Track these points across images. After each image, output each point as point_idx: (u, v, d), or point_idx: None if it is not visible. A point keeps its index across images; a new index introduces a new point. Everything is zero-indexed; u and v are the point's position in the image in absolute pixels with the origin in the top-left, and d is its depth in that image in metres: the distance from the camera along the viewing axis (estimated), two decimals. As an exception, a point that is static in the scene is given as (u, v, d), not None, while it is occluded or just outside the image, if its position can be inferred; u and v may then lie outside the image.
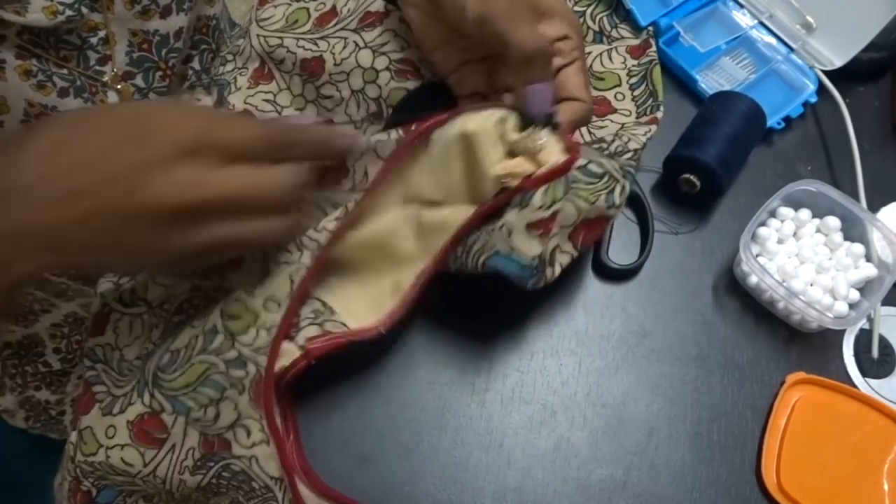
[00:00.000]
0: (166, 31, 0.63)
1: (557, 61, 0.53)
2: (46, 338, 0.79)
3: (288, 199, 0.46)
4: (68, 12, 0.54)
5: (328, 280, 0.55)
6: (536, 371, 0.59)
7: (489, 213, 0.52)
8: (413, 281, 0.54)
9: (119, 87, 0.61)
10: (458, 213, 0.53)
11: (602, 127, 0.65)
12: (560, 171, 0.50)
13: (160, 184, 0.40)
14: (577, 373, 0.59)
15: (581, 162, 0.52)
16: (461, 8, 0.52)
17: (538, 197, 0.50)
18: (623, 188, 0.53)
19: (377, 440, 0.56)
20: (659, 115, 0.63)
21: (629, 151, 0.59)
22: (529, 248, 0.51)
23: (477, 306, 0.61)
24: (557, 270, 0.53)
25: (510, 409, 0.58)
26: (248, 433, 0.52)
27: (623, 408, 0.58)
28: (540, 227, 0.50)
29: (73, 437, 0.53)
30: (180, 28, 0.63)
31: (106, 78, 0.60)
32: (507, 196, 0.51)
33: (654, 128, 0.62)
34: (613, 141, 0.60)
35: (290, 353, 0.52)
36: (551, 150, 0.51)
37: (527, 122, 0.52)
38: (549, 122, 0.51)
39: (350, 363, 0.58)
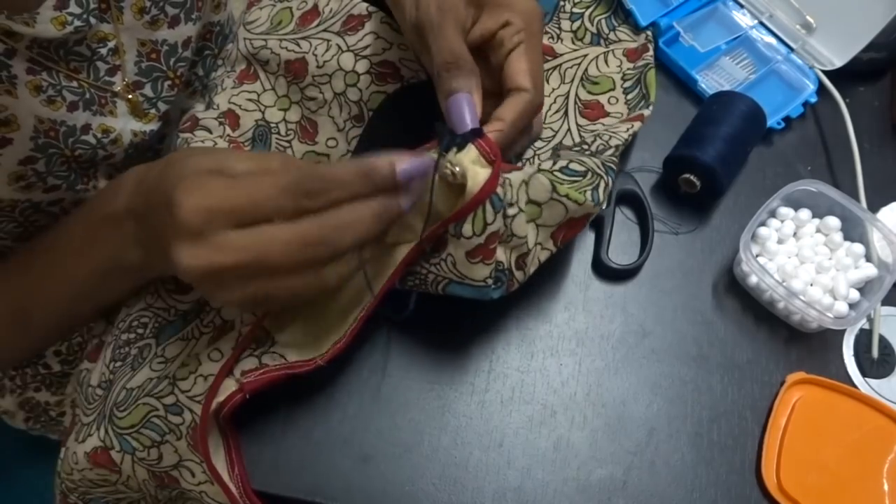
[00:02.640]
0: (174, 41, 0.63)
1: (501, 51, 0.51)
2: (47, 339, 0.79)
3: (315, 257, 0.44)
4: (77, 23, 0.54)
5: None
6: (536, 371, 0.59)
7: (433, 246, 0.51)
8: (360, 315, 0.54)
9: (130, 97, 0.61)
10: (404, 249, 0.52)
11: (593, 131, 0.65)
12: (481, 199, 0.47)
13: (184, 253, 0.43)
14: (577, 373, 0.59)
15: (562, 163, 0.52)
16: (402, 18, 0.51)
17: (467, 227, 0.48)
18: (606, 185, 0.53)
19: (377, 440, 0.56)
20: (646, 112, 0.62)
21: (610, 148, 0.58)
22: (477, 273, 0.50)
23: (477, 306, 0.61)
24: (532, 269, 0.53)
25: (510, 409, 0.58)
26: (193, 474, 0.53)
27: (623, 408, 0.58)
28: (478, 254, 0.49)
29: (62, 453, 0.55)
30: (188, 37, 0.64)
31: (117, 88, 0.60)
32: (440, 229, 0.49)
33: (637, 125, 0.61)
34: (594, 141, 0.60)
35: (227, 387, 0.52)
36: (476, 173, 0.47)
37: (445, 143, 0.48)
38: (461, 142, 0.48)
39: (350, 363, 0.58)
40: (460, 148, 0.47)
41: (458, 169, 0.47)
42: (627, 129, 0.60)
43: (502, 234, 0.50)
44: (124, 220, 0.50)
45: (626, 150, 0.68)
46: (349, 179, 0.44)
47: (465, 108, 0.48)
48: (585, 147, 0.59)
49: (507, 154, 0.50)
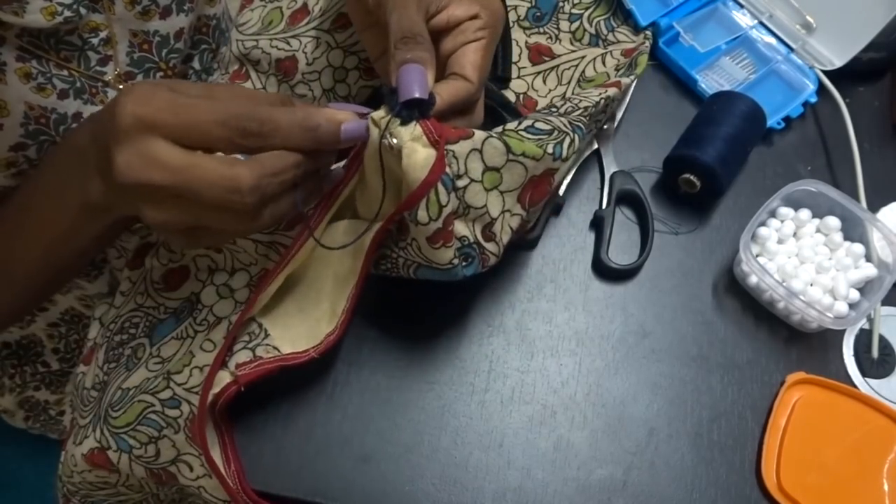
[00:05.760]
0: (166, 32, 0.63)
1: (459, 38, 0.51)
2: (45, 338, 0.79)
3: (242, 201, 0.43)
4: (67, 13, 0.54)
5: (269, 302, 0.55)
6: (536, 371, 0.59)
7: (395, 229, 0.51)
8: (346, 305, 0.54)
9: (121, 87, 0.61)
10: (371, 233, 0.51)
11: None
12: (430, 183, 0.46)
13: (120, 157, 0.42)
14: (577, 373, 0.59)
15: (527, 122, 0.51)
16: (356, 4, 0.51)
17: (422, 213, 0.47)
18: (572, 141, 0.52)
19: (377, 440, 0.56)
20: (625, 80, 0.61)
21: (579, 109, 0.57)
22: (441, 256, 0.49)
23: (477, 307, 0.61)
24: (505, 238, 0.52)
25: (510, 409, 0.58)
26: (191, 468, 0.53)
27: (623, 408, 0.58)
28: (438, 240, 0.48)
29: (62, 456, 0.55)
30: (181, 29, 0.64)
31: (108, 77, 0.60)
32: (395, 215, 0.48)
33: (612, 90, 0.60)
34: (564, 105, 0.58)
35: (221, 379, 0.52)
36: (414, 149, 0.46)
37: (393, 110, 0.46)
38: (406, 116, 0.46)
39: (350, 363, 0.58)
40: (404, 122, 0.46)
41: (395, 141, 0.45)
42: (600, 94, 0.59)
43: (457, 210, 0.48)
44: (85, 147, 0.48)
45: (626, 150, 0.68)
46: (291, 132, 0.43)
47: (416, 76, 0.47)
48: (554, 110, 0.58)
49: None
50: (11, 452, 1.02)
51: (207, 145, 0.43)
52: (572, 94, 0.65)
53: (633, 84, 0.67)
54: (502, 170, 0.49)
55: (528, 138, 0.49)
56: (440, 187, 0.46)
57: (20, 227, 0.54)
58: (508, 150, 0.48)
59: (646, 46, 0.67)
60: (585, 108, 0.57)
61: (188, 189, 0.42)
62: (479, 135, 0.48)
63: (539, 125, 0.51)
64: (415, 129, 0.46)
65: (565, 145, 0.51)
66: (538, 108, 0.66)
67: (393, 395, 0.58)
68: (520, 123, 0.51)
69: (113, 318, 0.59)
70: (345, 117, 0.45)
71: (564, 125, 0.52)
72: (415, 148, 0.45)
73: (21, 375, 0.81)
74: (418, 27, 0.48)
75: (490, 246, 0.51)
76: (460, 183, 0.48)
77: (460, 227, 0.49)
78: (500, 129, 0.50)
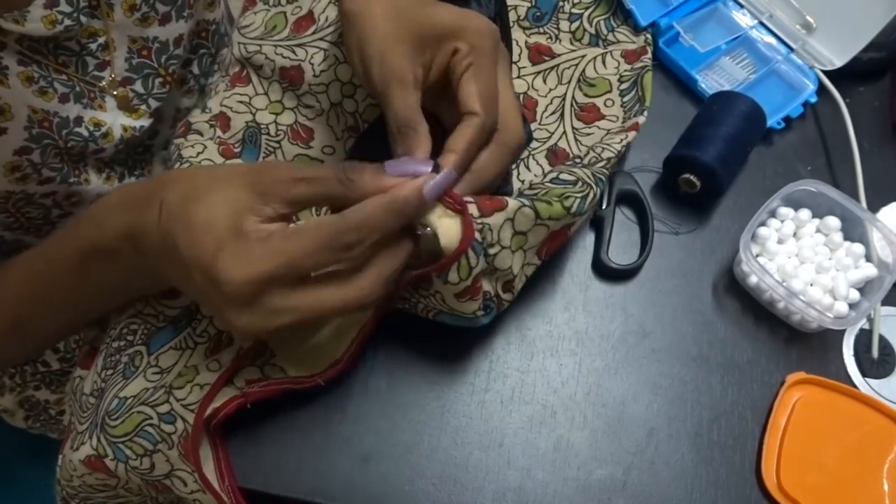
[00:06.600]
0: (166, 38, 0.63)
1: (454, 77, 0.50)
2: (46, 338, 0.79)
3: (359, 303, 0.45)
4: (67, 21, 0.54)
5: None
6: (536, 371, 0.59)
7: (417, 281, 0.52)
8: (356, 341, 0.56)
9: (116, 92, 0.61)
10: None
11: (588, 134, 0.65)
12: (462, 251, 0.47)
13: (241, 320, 0.43)
14: (577, 373, 0.59)
15: (552, 175, 0.53)
16: (359, 74, 0.51)
17: (453, 275, 0.48)
18: (594, 196, 0.54)
19: (377, 440, 0.56)
20: (640, 120, 0.63)
21: (602, 161, 0.59)
22: (466, 308, 0.52)
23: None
24: (520, 285, 0.55)
25: (510, 410, 0.58)
26: (185, 483, 0.53)
27: (623, 408, 0.58)
28: (467, 294, 0.50)
29: (59, 460, 0.55)
30: (180, 35, 0.64)
31: (103, 83, 0.60)
32: (425, 275, 0.50)
33: (632, 134, 0.61)
34: (587, 154, 0.60)
35: (225, 393, 0.52)
36: (447, 226, 0.47)
37: None
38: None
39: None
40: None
41: (428, 230, 0.47)
42: (621, 141, 0.60)
43: (486, 271, 0.50)
44: (121, 254, 0.48)
45: (625, 150, 0.68)
46: (381, 220, 0.43)
47: (413, 168, 0.47)
48: (578, 161, 0.60)
49: (477, 184, 0.50)
50: (11, 452, 1.02)
51: (319, 270, 0.44)
52: (573, 98, 0.66)
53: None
54: (528, 233, 0.51)
55: (553, 188, 0.51)
56: (471, 253, 0.48)
57: (44, 302, 0.55)
58: (537, 216, 0.50)
59: (648, 57, 0.67)
60: (608, 160, 0.58)
61: (313, 317, 0.44)
62: (513, 205, 0.49)
63: (564, 176, 0.53)
64: (436, 206, 0.47)
65: (588, 200, 0.53)
66: (541, 111, 0.66)
67: (392, 395, 0.58)
68: (545, 176, 0.53)
69: (112, 325, 0.58)
70: (420, 180, 0.45)
71: (588, 177, 0.54)
72: (447, 224, 0.47)
73: (21, 375, 0.81)
74: (410, 113, 0.48)
75: (506, 296, 0.54)
76: (492, 251, 0.49)
77: (485, 284, 0.51)
78: (518, 203, 0.50)
